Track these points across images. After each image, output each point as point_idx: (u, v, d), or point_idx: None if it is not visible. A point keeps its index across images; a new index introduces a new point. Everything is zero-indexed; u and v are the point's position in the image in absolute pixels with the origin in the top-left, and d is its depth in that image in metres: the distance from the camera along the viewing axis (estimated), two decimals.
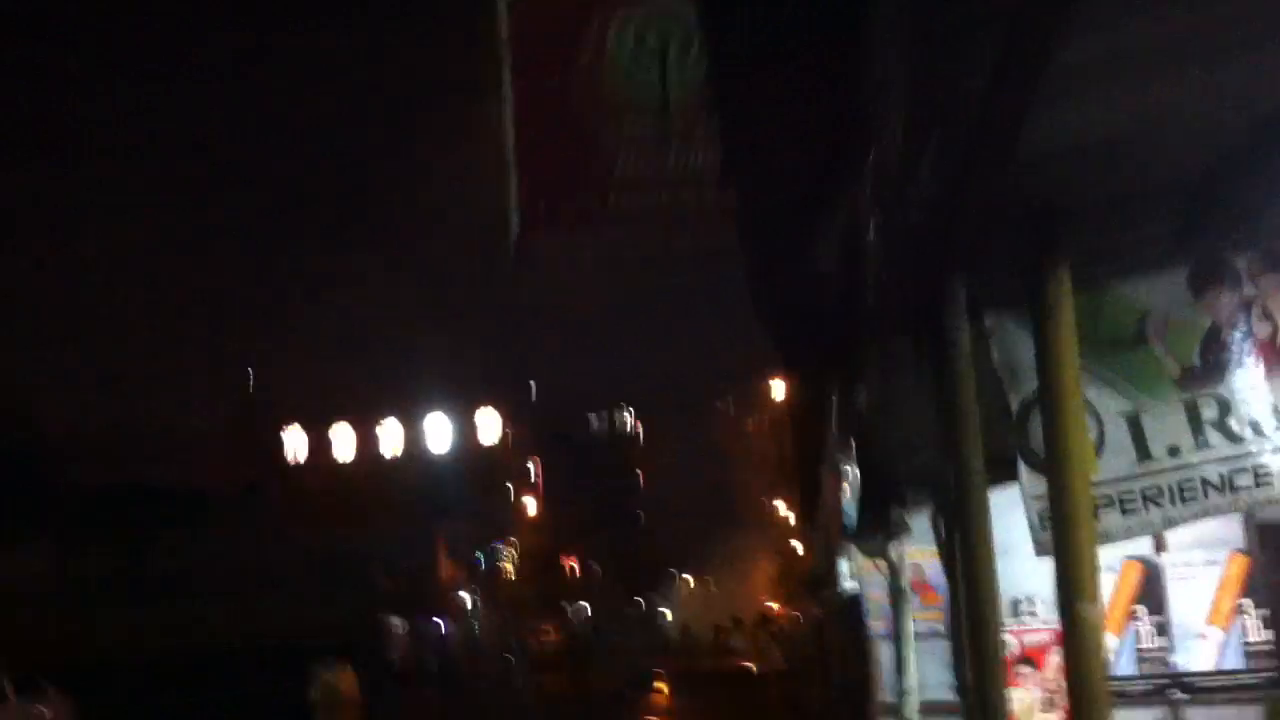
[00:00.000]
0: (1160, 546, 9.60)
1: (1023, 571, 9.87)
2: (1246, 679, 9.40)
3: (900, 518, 5.87)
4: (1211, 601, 9.64)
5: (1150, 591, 9.64)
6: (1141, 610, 9.75)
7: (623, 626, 74.73)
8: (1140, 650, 9.66)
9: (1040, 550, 4.07)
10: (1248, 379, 4.22)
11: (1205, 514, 4.31)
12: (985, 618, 3.64)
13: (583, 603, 75.58)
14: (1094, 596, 3.31)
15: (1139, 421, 4.26)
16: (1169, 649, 9.56)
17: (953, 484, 3.58)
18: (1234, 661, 9.51)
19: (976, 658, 3.85)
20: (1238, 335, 4.17)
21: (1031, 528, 4.21)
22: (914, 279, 3.46)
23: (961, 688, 6.25)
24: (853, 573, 9.70)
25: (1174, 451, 4.28)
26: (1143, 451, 4.26)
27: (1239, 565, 9.66)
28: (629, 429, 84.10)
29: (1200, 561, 9.68)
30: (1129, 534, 4.33)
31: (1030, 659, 9.89)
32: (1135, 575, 9.72)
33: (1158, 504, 4.23)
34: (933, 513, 5.82)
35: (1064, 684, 10.11)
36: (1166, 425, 4.27)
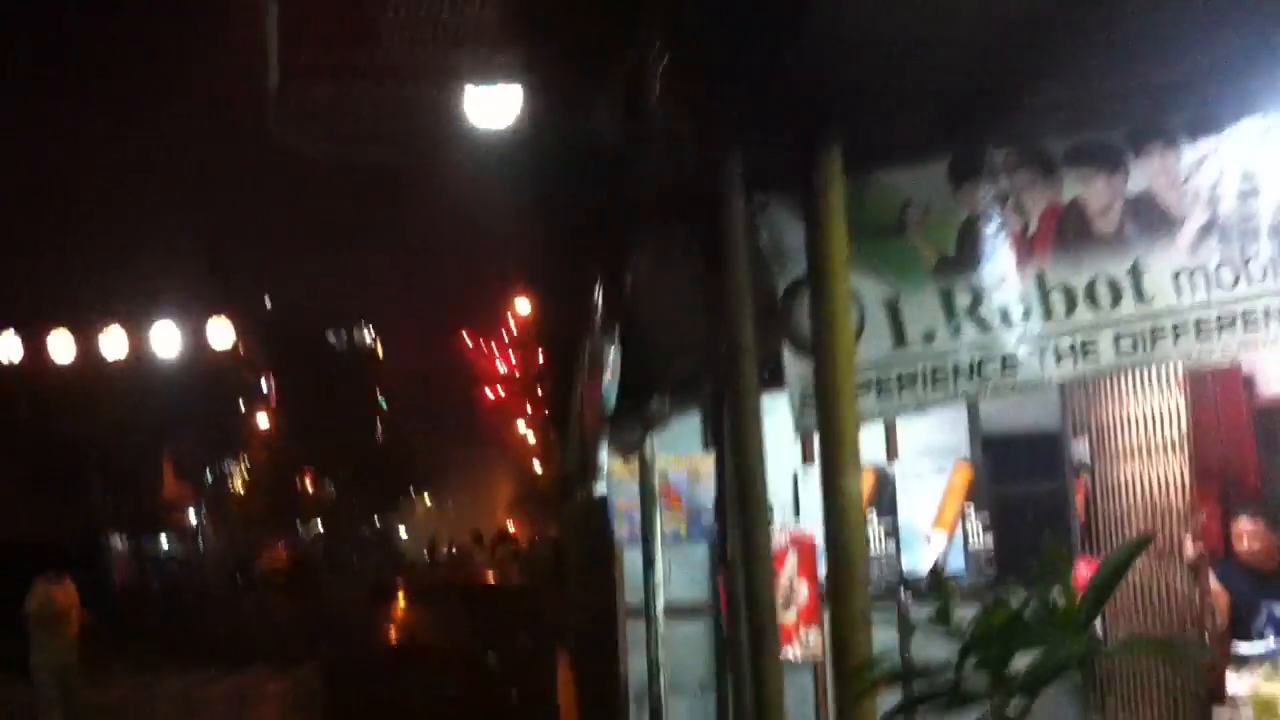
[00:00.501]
0: (891, 454, 10.02)
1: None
2: (969, 580, 9.94)
3: (661, 408, 5.87)
4: (938, 507, 10.13)
5: (881, 496, 10.05)
6: (872, 514, 10.14)
7: (357, 545, 73.97)
8: (871, 553, 10.07)
9: (801, 430, 4.15)
10: (999, 270, 4.38)
11: (954, 398, 4.48)
12: (754, 508, 3.66)
13: (315, 521, 74.42)
14: (855, 471, 3.39)
15: (897, 308, 4.37)
16: (897, 552, 10.02)
17: (725, 366, 3.58)
18: (957, 564, 10.03)
19: (746, 555, 3.85)
20: (992, 227, 4.32)
21: (793, 410, 4.28)
22: (689, 154, 3.43)
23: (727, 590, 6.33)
24: (602, 476, 9.77)
25: (928, 337, 4.42)
26: (899, 337, 4.38)
27: (963, 473, 10.17)
28: (368, 344, 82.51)
29: (929, 469, 10.14)
30: (884, 415, 4.47)
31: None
32: (868, 480, 10.12)
33: (910, 388, 4.37)
34: (700, 404, 5.85)
35: (797, 585, 10.50)
36: (922, 312, 4.40)
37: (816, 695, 9.84)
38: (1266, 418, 9.20)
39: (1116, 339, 4.43)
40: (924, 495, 10.19)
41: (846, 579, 3.25)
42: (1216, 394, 9.28)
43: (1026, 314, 4.41)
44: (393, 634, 27.54)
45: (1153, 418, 9.45)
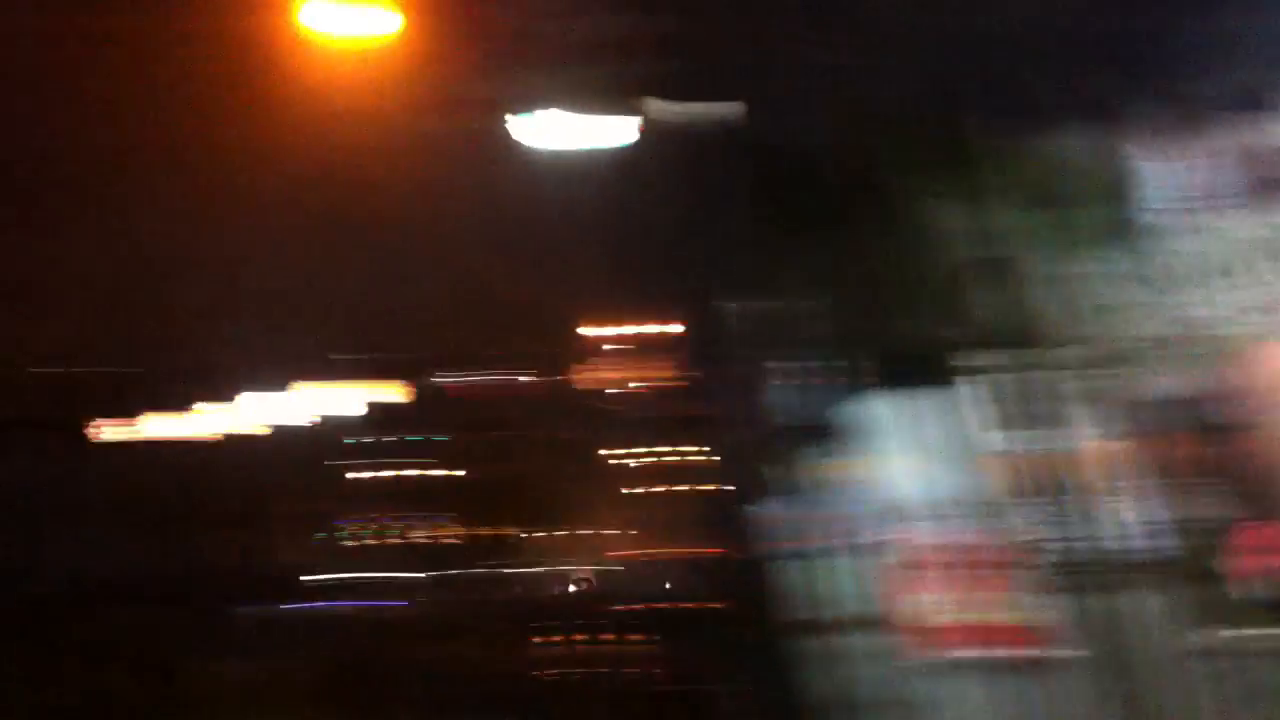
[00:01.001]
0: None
1: (934, 472, 9.80)
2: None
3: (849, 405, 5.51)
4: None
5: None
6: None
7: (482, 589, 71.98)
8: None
9: (997, 423, 3.96)
10: (1173, 231, 4.17)
11: (1157, 368, 4.26)
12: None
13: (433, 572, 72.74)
14: (1072, 454, 3.21)
15: (1079, 281, 4.18)
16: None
17: (906, 357, 3.41)
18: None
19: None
20: (1159, 187, 4.11)
21: (984, 402, 4.08)
22: (857, 136, 3.31)
23: None
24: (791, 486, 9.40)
25: (1117, 310, 4.22)
26: (1085, 313, 4.19)
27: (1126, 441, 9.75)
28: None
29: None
30: (1086, 395, 4.25)
31: (950, 560, 9.79)
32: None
33: (1112, 364, 4.16)
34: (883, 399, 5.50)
35: (978, 580, 10.06)
36: (1108, 283, 4.21)
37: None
38: None
39: None
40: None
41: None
42: None
43: (1216, 273, 4.19)
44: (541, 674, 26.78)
45: None
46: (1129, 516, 9.83)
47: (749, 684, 13.00)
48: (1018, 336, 3.19)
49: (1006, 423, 3.85)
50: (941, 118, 3.35)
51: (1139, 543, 9.67)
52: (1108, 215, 4.14)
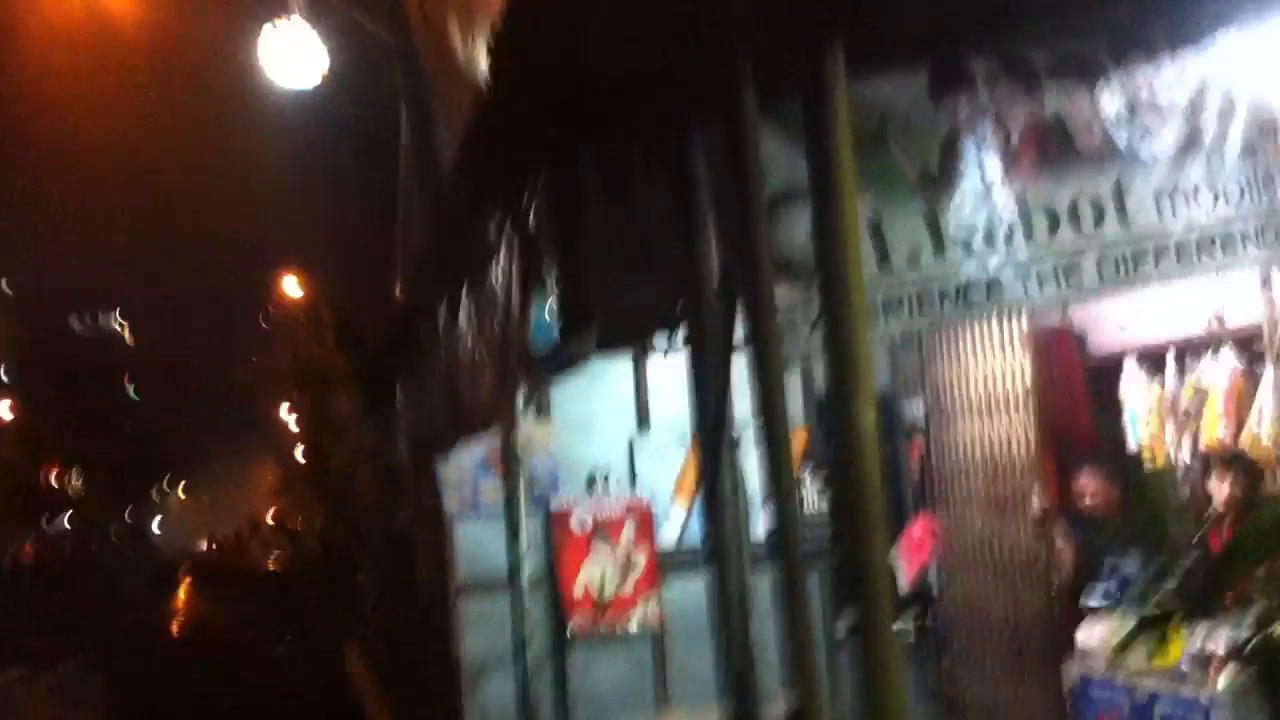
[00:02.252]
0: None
1: (599, 444, 9.80)
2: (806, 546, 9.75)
3: (581, 350, 5.20)
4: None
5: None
6: None
7: (109, 541, 70.63)
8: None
9: (792, 364, 3.77)
10: (983, 188, 4.08)
11: (940, 323, 4.19)
12: (783, 451, 3.17)
13: (62, 518, 70.53)
14: (872, 403, 3.01)
15: (880, 228, 4.04)
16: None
17: (745, 289, 3.10)
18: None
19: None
20: (974, 143, 4.00)
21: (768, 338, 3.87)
22: (686, 50, 3.00)
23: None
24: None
25: (913, 261, 4.11)
26: (883, 259, 4.06)
27: (799, 436, 10.01)
28: (117, 329, 78.30)
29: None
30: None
31: (605, 533, 9.88)
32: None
33: (896, 313, 4.05)
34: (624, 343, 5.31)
35: (635, 555, 10.16)
36: (906, 233, 4.09)
37: (656, 667, 9.59)
38: (1099, 376, 9.37)
39: (1100, 262, 4.22)
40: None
41: (864, 523, 2.88)
42: (1054, 353, 9.38)
43: (1010, 235, 4.14)
44: (164, 631, 26.14)
45: (994, 376, 9.48)
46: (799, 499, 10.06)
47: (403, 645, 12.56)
48: (847, 273, 2.93)
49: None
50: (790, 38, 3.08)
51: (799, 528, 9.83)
52: (918, 165, 3.99)
